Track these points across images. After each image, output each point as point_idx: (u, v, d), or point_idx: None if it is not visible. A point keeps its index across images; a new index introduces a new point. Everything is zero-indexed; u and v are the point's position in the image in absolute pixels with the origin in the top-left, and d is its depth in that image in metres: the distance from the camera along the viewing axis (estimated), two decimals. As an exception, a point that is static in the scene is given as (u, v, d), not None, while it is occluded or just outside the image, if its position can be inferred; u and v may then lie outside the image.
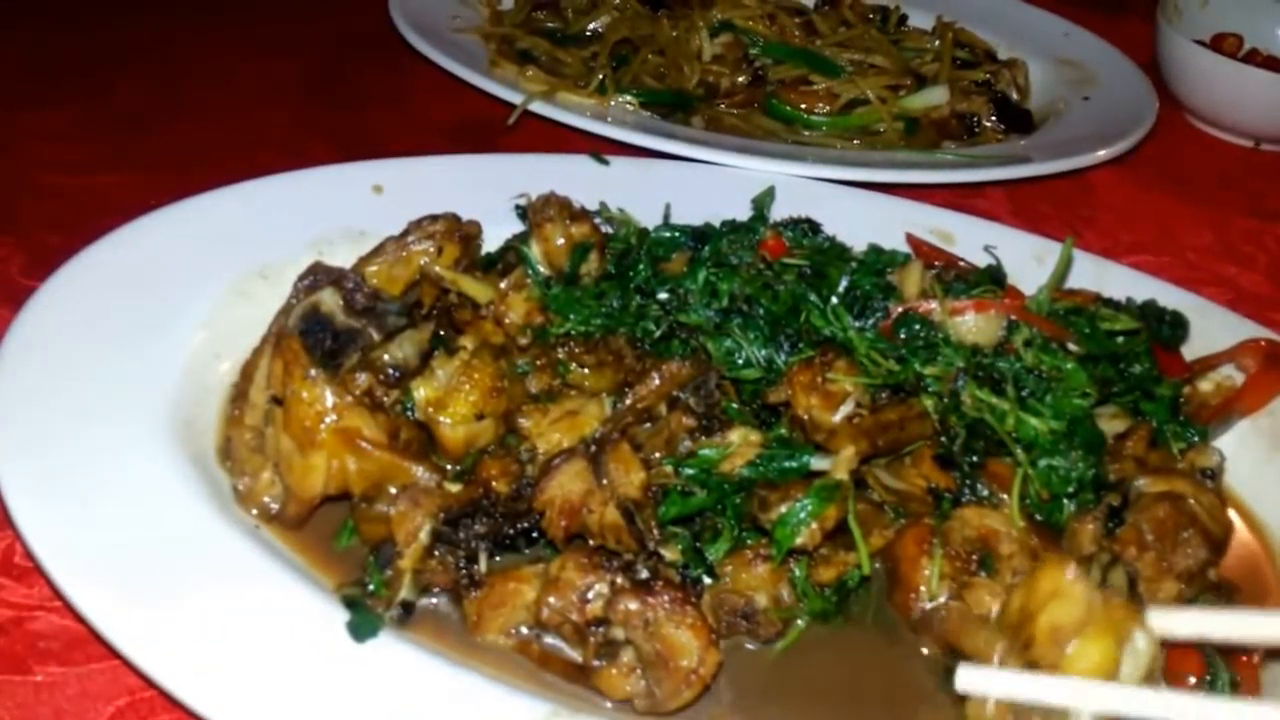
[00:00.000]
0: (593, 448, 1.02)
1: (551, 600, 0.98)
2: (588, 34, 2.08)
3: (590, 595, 0.98)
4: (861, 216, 1.59)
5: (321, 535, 1.11)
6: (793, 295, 1.17)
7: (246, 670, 0.92)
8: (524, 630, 0.99)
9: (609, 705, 0.99)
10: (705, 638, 0.96)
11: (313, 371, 1.05)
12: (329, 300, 1.15)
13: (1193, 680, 0.99)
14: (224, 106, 1.90)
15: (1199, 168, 2.12)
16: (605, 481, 1.00)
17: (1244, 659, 1.01)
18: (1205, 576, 1.03)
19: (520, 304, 1.19)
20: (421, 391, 1.15)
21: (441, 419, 1.14)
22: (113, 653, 0.95)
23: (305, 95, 1.98)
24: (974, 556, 1.05)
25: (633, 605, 0.95)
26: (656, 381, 1.05)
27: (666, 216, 1.39)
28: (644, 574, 1.00)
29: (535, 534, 1.08)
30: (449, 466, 1.14)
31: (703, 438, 1.07)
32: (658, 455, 1.06)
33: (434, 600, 1.05)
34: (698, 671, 0.95)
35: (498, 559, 1.08)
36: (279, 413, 1.06)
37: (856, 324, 1.14)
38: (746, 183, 1.61)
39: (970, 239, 1.57)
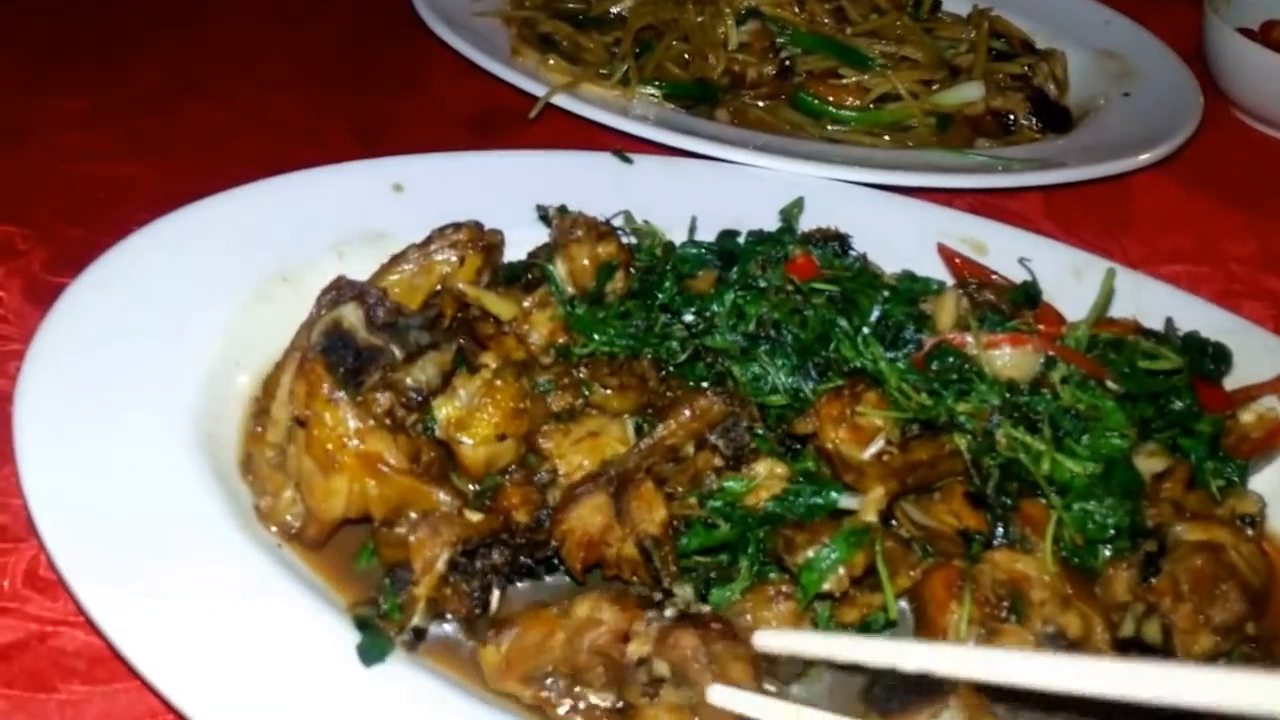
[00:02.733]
0: (614, 484, 1.00)
1: (588, 639, 0.96)
2: (611, 16, 2.03)
3: (631, 633, 0.96)
4: (892, 223, 1.55)
5: (342, 555, 1.10)
6: (822, 321, 1.14)
7: (264, 694, 0.92)
8: (546, 681, 0.97)
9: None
10: (757, 670, 0.95)
11: (337, 394, 1.03)
12: (351, 316, 1.12)
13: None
14: (240, 90, 1.86)
15: (1245, 168, 2.05)
16: (626, 519, 0.98)
17: None
18: (1243, 630, 1.00)
19: (544, 323, 1.17)
20: (443, 410, 1.13)
21: (462, 439, 1.12)
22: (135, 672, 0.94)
23: (323, 79, 1.94)
24: (1004, 602, 1.02)
25: (692, 640, 0.94)
26: (686, 415, 1.03)
27: (692, 230, 1.36)
28: (671, 612, 0.98)
29: (554, 561, 1.07)
30: (470, 487, 1.12)
31: (729, 473, 1.04)
32: (681, 489, 1.04)
33: (445, 627, 1.03)
34: None
35: (519, 585, 1.07)
36: (301, 434, 1.05)
37: (888, 355, 1.10)
38: (773, 184, 1.57)
39: (1004, 250, 1.52)
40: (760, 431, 1.07)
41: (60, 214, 1.51)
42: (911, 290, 1.19)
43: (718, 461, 1.05)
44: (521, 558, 1.03)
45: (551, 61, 1.85)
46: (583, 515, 1.00)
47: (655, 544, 0.98)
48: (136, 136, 1.70)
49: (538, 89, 1.74)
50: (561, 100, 1.74)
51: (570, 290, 1.20)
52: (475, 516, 1.02)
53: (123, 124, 1.72)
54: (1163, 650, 0.98)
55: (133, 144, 1.68)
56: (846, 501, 1.02)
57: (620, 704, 0.97)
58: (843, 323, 1.13)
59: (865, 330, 1.12)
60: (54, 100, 1.75)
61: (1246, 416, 1.23)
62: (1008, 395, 1.07)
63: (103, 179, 1.59)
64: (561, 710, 0.97)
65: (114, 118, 1.73)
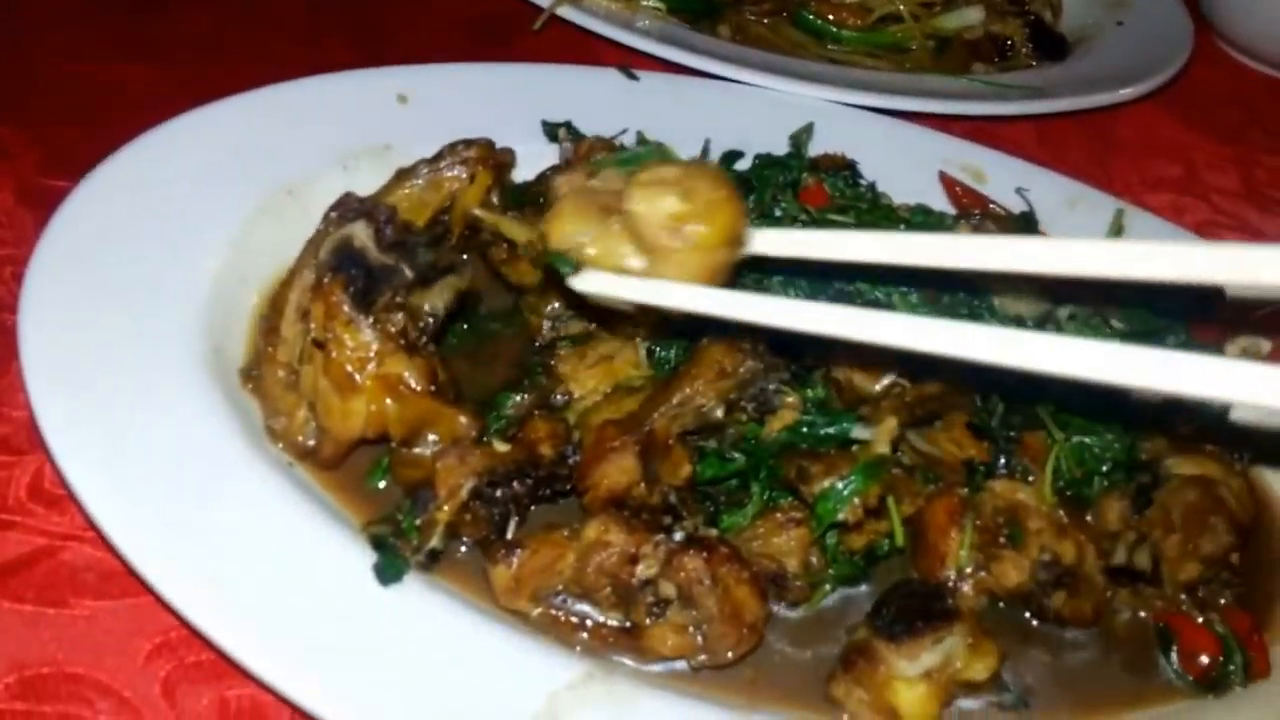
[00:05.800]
0: (640, 442, 1.01)
1: (597, 560, 0.99)
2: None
3: (639, 555, 0.99)
4: (893, 148, 1.56)
5: (353, 474, 1.10)
6: (836, 252, 1.14)
7: (280, 610, 0.93)
8: (555, 599, 1.00)
9: (634, 665, 1.00)
10: (761, 592, 0.99)
11: (357, 316, 1.03)
12: (361, 234, 1.11)
13: (1205, 660, 1.03)
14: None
15: (1229, 101, 2.08)
16: (652, 479, 1.00)
17: (1255, 638, 1.05)
18: (1227, 560, 1.05)
19: (564, 249, 1.16)
20: None
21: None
22: (149, 587, 0.94)
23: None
24: (1002, 529, 1.06)
25: (697, 562, 0.97)
26: (713, 375, 1.04)
27: (704, 154, 1.35)
28: (680, 535, 1.01)
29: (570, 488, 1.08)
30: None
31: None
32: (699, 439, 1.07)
33: (461, 548, 1.05)
34: (755, 626, 0.99)
35: (534, 508, 1.08)
36: (319, 355, 1.04)
37: (901, 288, 1.12)
38: (777, 105, 1.57)
39: (1001, 179, 1.55)
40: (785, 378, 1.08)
41: (53, 114, 1.46)
42: (925, 224, 1.20)
43: (744, 418, 1.06)
44: (542, 491, 1.04)
45: (555, -30, 1.80)
46: (609, 474, 1.02)
47: (678, 494, 1.00)
48: (128, 37, 1.64)
49: (541, -1, 1.71)
50: (565, 11, 1.70)
51: (588, 214, 1.18)
52: (502, 447, 1.03)
53: (114, 23, 1.66)
54: (1151, 578, 1.04)
55: (124, 45, 1.62)
56: (859, 432, 1.05)
57: (627, 623, 1.00)
58: (856, 254, 1.14)
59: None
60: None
61: (1231, 351, 1.27)
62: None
63: (96, 80, 1.54)
64: (569, 628, 1.00)
65: (104, 17, 1.67)
